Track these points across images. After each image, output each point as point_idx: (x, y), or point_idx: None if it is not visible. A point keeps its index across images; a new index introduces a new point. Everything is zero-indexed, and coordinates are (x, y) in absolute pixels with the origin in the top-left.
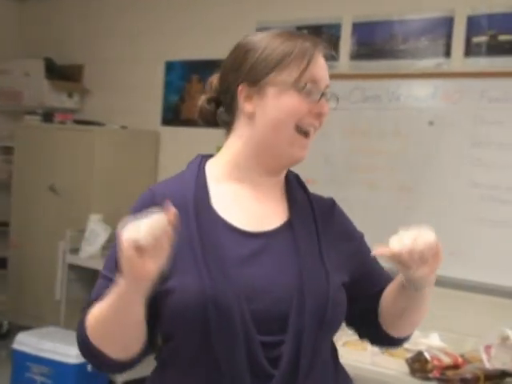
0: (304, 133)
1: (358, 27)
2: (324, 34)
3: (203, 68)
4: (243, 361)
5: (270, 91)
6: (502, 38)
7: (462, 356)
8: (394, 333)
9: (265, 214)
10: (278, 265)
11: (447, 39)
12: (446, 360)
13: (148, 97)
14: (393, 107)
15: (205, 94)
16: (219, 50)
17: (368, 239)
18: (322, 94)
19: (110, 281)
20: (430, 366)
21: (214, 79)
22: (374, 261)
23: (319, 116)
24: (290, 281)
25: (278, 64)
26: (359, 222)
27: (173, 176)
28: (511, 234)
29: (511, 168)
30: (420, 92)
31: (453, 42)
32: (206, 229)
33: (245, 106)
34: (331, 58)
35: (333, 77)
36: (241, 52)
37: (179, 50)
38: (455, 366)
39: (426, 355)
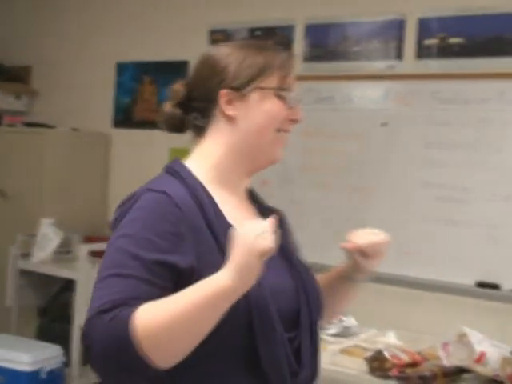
0: (282, 135)
1: (310, 29)
2: (277, 36)
3: (155, 70)
4: (284, 360)
5: (253, 97)
6: (452, 40)
7: (418, 354)
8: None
9: (251, 219)
10: (280, 267)
11: (399, 42)
12: (405, 358)
13: (99, 98)
14: (346, 108)
15: (170, 100)
16: (171, 52)
17: (322, 239)
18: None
19: (151, 283)
20: (389, 365)
21: (180, 86)
22: None
23: (294, 122)
24: (293, 280)
25: (262, 72)
26: (312, 221)
27: (163, 179)
28: (463, 233)
29: (462, 168)
30: (372, 93)
31: (404, 45)
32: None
33: (227, 110)
34: None
35: None
36: (219, 60)
37: (130, 52)
38: (413, 364)
39: (386, 354)
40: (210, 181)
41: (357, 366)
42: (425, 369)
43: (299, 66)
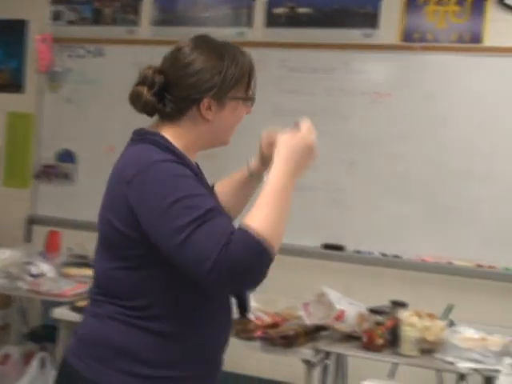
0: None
1: None
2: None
3: None
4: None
5: (228, 105)
6: (301, 10)
7: (277, 315)
8: None
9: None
10: None
11: (249, 9)
12: (267, 319)
13: None
14: None
15: (147, 86)
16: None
17: None
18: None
19: (206, 195)
20: (252, 326)
21: (158, 76)
22: None
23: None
24: None
25: (237, 83)
26: None
27: (153, 147)
28: (310, 197)
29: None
30: None
31: (255, 13)
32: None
33: (206, 115)
34: (131, 23)
35: (133, 42)
36: (205, 71)
37: None
38: (274, 325)
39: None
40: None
41: None
42: (288, 329)
43: (147, 31)
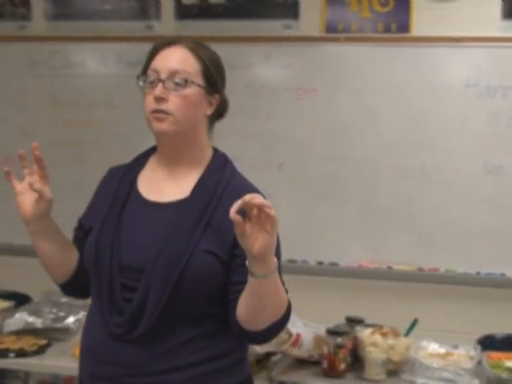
0: None
1: None
2: None
3: None
4: (105, 297)
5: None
6: (213, 1)
7: None
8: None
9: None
10: (150, 229)
11: (156, 1)
12: None
13: None
14: (101, 74)
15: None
16: None
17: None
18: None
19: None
20: None
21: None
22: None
23: None
24: (151, 242)
25: (144, 68)
26: (70, 198)
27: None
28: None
29: (232, 136)
30: (128, 56)
31: (162, 4)
32: None
33: (209, 111)
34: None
35: (26, 39)
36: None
37: None
38: None
39: None
40: None
41: None
42: None
43: (42, 26)
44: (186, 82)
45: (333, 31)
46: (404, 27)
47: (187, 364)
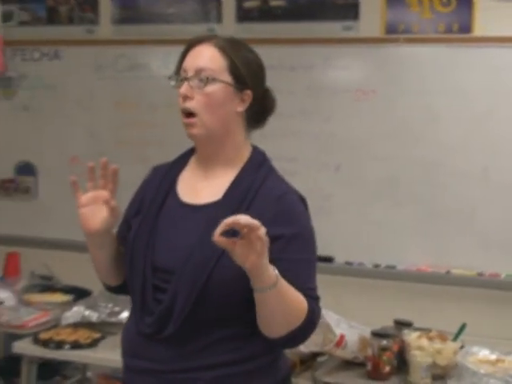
0: None
1: None
2: None
3: None
4: (138, 297)
5: None
6: (274, 3)
7: None
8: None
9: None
10: (184, 231)
11: (217, 4)
12: None
13: None
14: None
15: None
16: None
17: None
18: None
19: None
20: None
21: None
22: (287, 265)
23: None
24: (183, 245)
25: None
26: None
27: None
28: None
29: (291, 137)
30: None
31: (224, 7)
32: None
33: (239, 107)
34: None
35: (93, 43)
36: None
37: None
38: None
39: None
40: None
41: None
42: None
43: (108, 30)
44: (208, 80)
45: (393, 32)
46: (466, 27)
47: (215, 364)
